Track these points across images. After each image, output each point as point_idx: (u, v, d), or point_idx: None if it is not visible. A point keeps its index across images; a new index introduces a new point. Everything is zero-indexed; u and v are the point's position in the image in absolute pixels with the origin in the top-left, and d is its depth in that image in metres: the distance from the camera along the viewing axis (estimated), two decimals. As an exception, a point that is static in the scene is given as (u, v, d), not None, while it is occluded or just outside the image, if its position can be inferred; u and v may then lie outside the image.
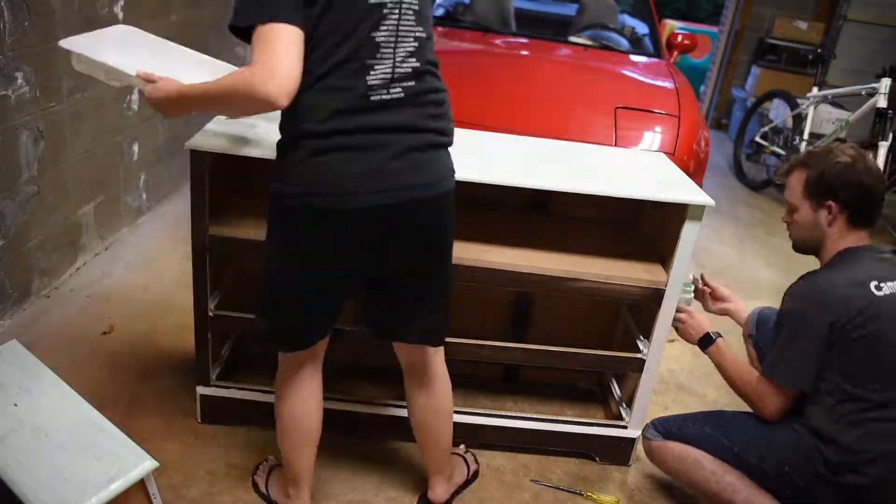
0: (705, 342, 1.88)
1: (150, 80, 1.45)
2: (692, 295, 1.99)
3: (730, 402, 2.53)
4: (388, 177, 1.35)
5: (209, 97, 1.38)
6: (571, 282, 1.88)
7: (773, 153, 4.98)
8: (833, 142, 4.57)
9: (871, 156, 3.86)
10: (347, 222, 1.37)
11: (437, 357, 1.70)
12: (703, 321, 1.92)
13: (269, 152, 1.72)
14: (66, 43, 1.62)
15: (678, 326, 1.95)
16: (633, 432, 2.06)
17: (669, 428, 1.85)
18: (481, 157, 1.97)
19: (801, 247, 1.83)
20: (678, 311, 1.92)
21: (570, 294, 1.90)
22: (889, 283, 1.62)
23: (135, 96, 3.02)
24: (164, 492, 1.66)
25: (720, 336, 1.88)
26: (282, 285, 1.50)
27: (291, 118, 1.34)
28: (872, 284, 1.61)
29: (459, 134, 2.19)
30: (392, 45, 1.34)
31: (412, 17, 1.36)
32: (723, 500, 1.73)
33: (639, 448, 2.12)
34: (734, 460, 1.73)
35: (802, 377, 1.65)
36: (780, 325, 1.73)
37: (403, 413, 2.02)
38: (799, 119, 4.78)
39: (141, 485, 1.38)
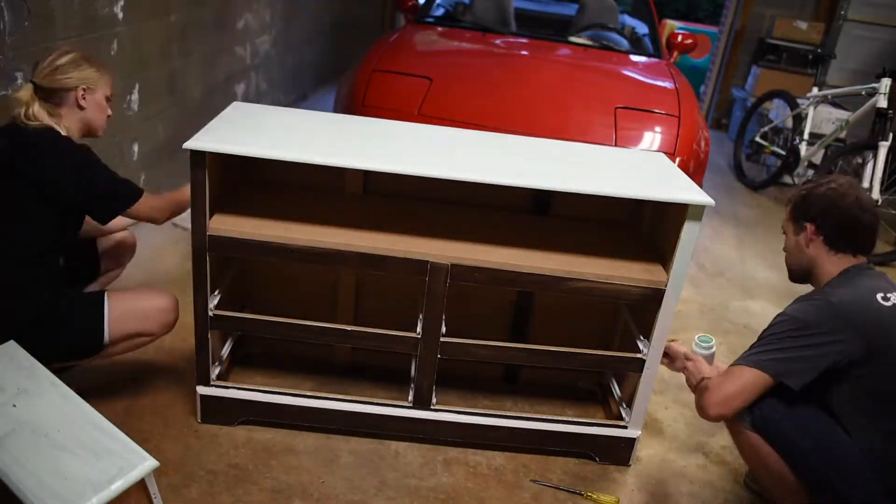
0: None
1: None
2: (712, 350, 1.89)
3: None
4: None
5: None
6: (571, 282, 1.88)
7: (773, 153, 4.98)
8: (833, 141, 4.57)
9: (865, 188, 3.91)
10: None
11: None
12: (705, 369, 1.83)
13: (269, 152, 1.73)
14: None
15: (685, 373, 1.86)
16: (633, 432, 2.06)
17: (767, 421, 1.68)
18: (481, 157, 1.97)
19: (793, 274, 1.85)
20: (687, 358, 1.86)
21: (570, 294, 1.90)
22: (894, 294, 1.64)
23: (135, 96, 3.02)
24: (164, 492, 1.66)
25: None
26: None
27: None
28: (879, 296, 1.62)
29: (460, 134, 2.20)
30: None
31: None
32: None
33: (639, 448, 2.12)
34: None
35: (797, 371, 1.60)
36: (771, 327, 1.69)
37: (403, 413, 2.02)
38: (799, 119, 4.78)
39: (141, 485, 1.39)
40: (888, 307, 1.60)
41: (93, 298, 1.88)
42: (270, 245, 1.83)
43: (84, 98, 1.83)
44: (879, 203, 3.95)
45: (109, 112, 1.94)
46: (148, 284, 2.29)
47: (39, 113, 1.78)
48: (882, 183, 3.96)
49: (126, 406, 2.06)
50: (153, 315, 1.91)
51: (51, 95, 1.80)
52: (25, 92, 1.80)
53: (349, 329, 1.97)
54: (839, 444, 1.61)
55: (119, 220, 2.05)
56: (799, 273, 1.81)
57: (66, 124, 1.82)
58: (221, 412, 2.02)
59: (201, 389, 1.99)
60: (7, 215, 1.77)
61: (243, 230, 1.84)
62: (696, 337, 1.90)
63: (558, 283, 1.87)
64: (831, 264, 1.71)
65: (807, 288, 1.81)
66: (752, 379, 1.63)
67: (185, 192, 1.90)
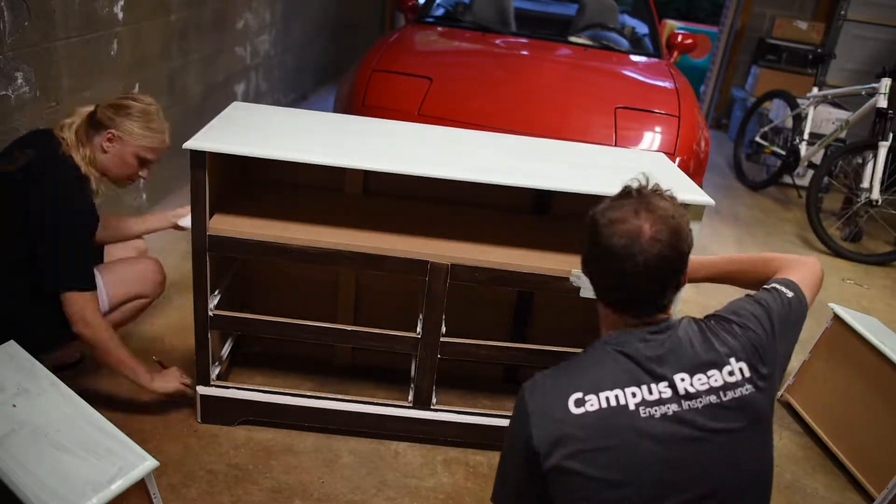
0: None
1: None
2: None
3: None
4: None
5: None
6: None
7: (773, 153, 4.98)
8: (833, 141, 4.57)
9: (865, 188, 3.84)
10: None
11: None
12: None
13: (269, 152, 1.73)
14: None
15: None
16: (633, 432, 2.06)
17: None
18: (481, 157, 1.97)
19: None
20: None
21: (571, 294, 1.90)
22: (598, 395, 1.15)
23: (135, 96, 3.02)
24: (164, 492, 1.66)
25: None
26: None
27: None
28: (573, 399, 1.15)
29: (460, 134, 2.20)
30: None
31: None
32: None
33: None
34: None
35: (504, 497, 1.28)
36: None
37: (403, 413, 2.02)
38: (799, 119, 4.78)
39: (141, 485, 1.38)
40: (575, 414, 1.14)
41: None
42: (270, 245, 1.83)
43: (110, 144, 1.82)
44: (879, 203, 3.95)
45: (143, 175, 1.91)
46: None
47: (78, 131, 1.81)
48: (882, 183, 3.95)
49: (126, 406, 2.06)
50: (144, 276, 2.00)
51: (95, 124, 1.82)
52: (86, 109, 1.85)
53: (349, 329, 1.97)
54: None
55: (132, 227, 2.09)
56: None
57: (89, 153, 1.82)
58: (221, 412, 2.02)
59: (201, 389, 1.99)
60: (7, 221, 1.77)
61: (243, 230, 1.84)
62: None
63: (558, 284, 1.87)
64: (609, 326, 1.26)
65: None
66: None
67: (124, 360, 1.82)
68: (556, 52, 3.70)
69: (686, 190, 1.87)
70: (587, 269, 1.24)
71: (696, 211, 1.79)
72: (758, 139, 5.15)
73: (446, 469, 2.00)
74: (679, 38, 4.06)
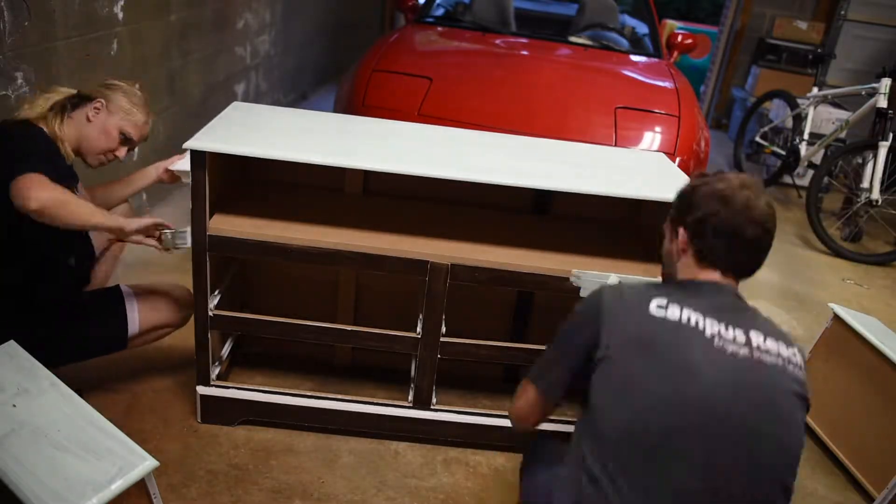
0: None
1: None
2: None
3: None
4: None
5: None
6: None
7: (773, 153, 4.98)
8: (833, 141, 4.57)
9: (865, 187, 3.87)
10: None
11: None
12: None
13: (269, 152, 1.73)
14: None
15: None
16: (633, 432, 2.06)
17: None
18: (481, 157, 1.97)
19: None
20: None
21: (571, 294, 1.90)
22: (681, 309, 1.25)
23: (135, 96, 3.02)
24: (164, 492, 1.66)
25: None
26: None
27: None
28: (654, 304, 1.25)
29: (460, 134, 2.20)
30: None
31: None
32: None
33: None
34: None
35: (543, 372, 1.42)
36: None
37: (403, 413, 2.02)
38: (799, 119, 4.78)
39: (141, 485, 1.38)
40: (657, 318, 1.24)
41: (113, 295, 1.92)
42: (270, 245, 1.83)
43: (96, 113, 1.82)
44: (879, 203, 3.95)
45: (120, 154, 1.89)
46: (159, 280, 2.26)
47: (55, 105, 1.79)
48: (882, 183, 3.95)
49: (126, 406, 2.06)
50: (175, 307, 1.99)
51: (79, 100, 1.82)
52: (66, 91, 1.84)
53: (349, 329, 1.97)
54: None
55: (117, 191, 2.05)
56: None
57: (65, 129, 1.80)
58: (221, 412, 2.02)
59: (201, 389, 1.99)
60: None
61: (243, 230, 1.84)
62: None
63: (558, 284, 1.87)
64: (691, 274, 1.33)
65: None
66: (529, 394, 1.43)
67: (93, 212, 1.67)
68: (556, 52, 3.70)
69: (686, 190, 1.86)
70: (694, 221, 1.31)
71: (696, 211, 1.79)
72: (758, 139, 5.15)
73: (446, 469, 2.00)
74: (679, 38, 4.06)
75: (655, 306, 1.24)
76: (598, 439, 1.24)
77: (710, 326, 1.22)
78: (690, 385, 1.18)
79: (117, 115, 1.85)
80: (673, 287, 1.32)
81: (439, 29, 3.86)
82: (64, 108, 1.82)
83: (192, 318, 1.91)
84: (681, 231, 1.33)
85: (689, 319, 1.23)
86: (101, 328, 1.89)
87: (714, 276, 1.30)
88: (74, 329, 1.84)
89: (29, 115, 1.78)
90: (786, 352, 1.24)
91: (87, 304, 1.90)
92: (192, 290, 1.94)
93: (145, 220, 1.78)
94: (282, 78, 5.21)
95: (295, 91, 5.59)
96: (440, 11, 4.29)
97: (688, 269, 1.33)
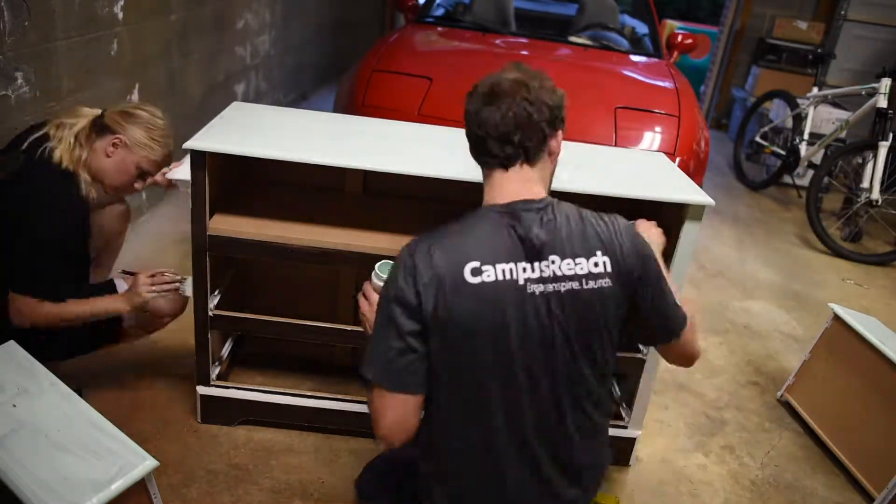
0: None
1: None
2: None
3: (728, 401, 2.54)
4: None
5: None
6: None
7: (773, 153, 4.98)
8: (833, 141, 4.57)
9: (865, 187, 3.88)
10: None
11: None
12: None
13: (269, 152, 1.73)
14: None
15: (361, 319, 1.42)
16: (634, 432, 2.06)
17: (362, 489, 1.51)
18: (481, 157, 1.96)
19: None
20: (365, 295, 1.42)
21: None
22: (494, 267, 1.17)
23: (135, 96, 3.02)
24: (164, 492, 1.66)
25: None
26: None
27: None
28: (469, 268, 1.17)
29: (460, 134, 2.20)
30: None
31: None
32: None
33: (639, 448, 2.12)
34: None
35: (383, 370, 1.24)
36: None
37: (403, 413, 2.02)
38: (799, 119, 4.78)
39: (141, 484, 1.38)
40: (474, 284, 1.16)
41: (107, 287, 1.91)
42: (270, 245, 1.83)
43: (115, 149, 1.80)
44: (879, 203, 3.96)
45: (138, 187, 1.90)
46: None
47: (79, 134, 1.77)
48: (882, 183, 3.96)
49: (126, 406, 2.06)
50: (167, 297, 1.96)
51: (99, 130, 1.80)
52: (90, 113, 1.81)
53: (349, 329, 1.97)
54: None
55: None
56: None
57: (85, 156, 1.78)
58: (221, 412, 2.02)
59: (201, 389, 1.99)
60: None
61: (243, 230, 1.83)
62: (377, 265, 1.43)
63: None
64: (487, 190, 1.28)
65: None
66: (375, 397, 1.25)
67: (89, 307, 1.77)
68: (556, 52, 3.70)
69: (686, 190, 1.87)
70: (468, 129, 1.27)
71: (696, 211, 1.79)
72: (758, 139, 5.15)
73: (446, 469, 2.00)
74: (679, 38, 4.06)
75: (470, 272, 1.17)
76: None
77: (521, 272, 1.18)
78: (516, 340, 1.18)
79: (136, 153, 1.82)
80: (481, 235, 1.21)
81: (439, 29, 3.86)
82: (89, 138, 1.79)
83: (193, 318, 1.90)
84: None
85: (503, 274, 1.17)
86: (95, 322, 1.87)
87: (499, 176, 1.25)
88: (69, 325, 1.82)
89: (56, 157, 1.74)
90: (586, 267, 1.20)
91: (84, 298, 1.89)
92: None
93: (142, 298, 1.81)
94: (282, 78, 5.21)
95: (295, 91, 5.60)
96: (440, 11, 4.29)
97: (484, 180, 1.29)
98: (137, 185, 1.90)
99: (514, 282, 1.17)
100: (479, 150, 1.27)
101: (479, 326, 1.16)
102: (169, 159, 1.90)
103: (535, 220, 1.21)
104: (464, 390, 1.22)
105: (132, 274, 1.89)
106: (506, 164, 1.25)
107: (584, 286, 1.20)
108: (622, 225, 1.27)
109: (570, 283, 1.19)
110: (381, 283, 1.35)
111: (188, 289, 1.87)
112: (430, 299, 1.16)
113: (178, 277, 1.87)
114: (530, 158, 1.25)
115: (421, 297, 1.16)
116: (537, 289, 1.18)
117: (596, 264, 1.21)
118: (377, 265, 1.43)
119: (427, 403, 1.24)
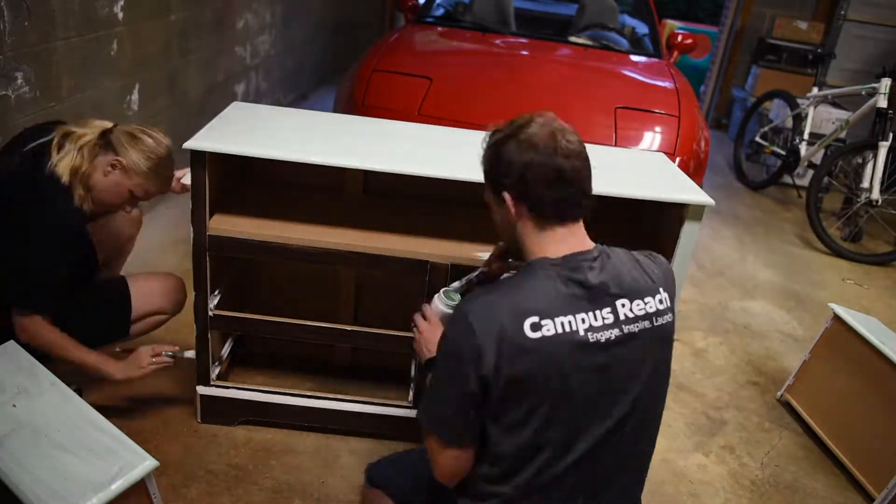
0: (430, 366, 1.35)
1: None
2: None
3: (728, 401, 2.53)
4: None
5: None
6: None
7: (773, 153, 4.98)
8: (833, 141, 4.57)
9: (865, 187, 3.90)
10: None
11: None
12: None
13: (269, 152, 1.73)
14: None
15: (415, 337, 1.44)
16: (633, 432, 2.06)
17: (371, 473, 1.53)
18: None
19: (518, 254, 1.33)
20: (424, 316, 1.43)
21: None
22: (553, 321, 1.15)
23: (135, 96, 3.02)
24: (164, 492, 1.66)
25: None
26: None
27: None
28: (528, 323, 1.14)
29: (460, 134, 2.20)
30: None
31: None
32: None
33: (639, 448, 2.12)
34: None
35: (444, 421, 1.22)
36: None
37: (403, 413, 2.02)
38: (799, 119, 4.78)
39: (141, 484, 1.38)
40: (534, 339, 1.13)
41: (118, 283, 1.96)
42: (270, 245, 1.83)
43: (112, 170, 1.76)
44: (879, 203, 3.95)
45: (127, 210, 1.87)
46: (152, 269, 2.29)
47: (84, 147, 1.74)
48: (882, 183, 3.96)
49: (126, 406, 2.06)
50: (168, 292, 2.01)
51: (105, 145, 1.76)
52: (99, 126, 1.78)
53: (349, 329, 1.97)
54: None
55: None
56: (518, 252, 1.32)
57: (85, 169, 1.74)
58: (221, 412, 2.02)
59: (201, 389, 1.99)
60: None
61: (243, 230, 1.84)
62: (442, 290, 1.43)
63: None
64: (535, 243, 1.25)
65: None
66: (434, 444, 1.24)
67: (83, 358, 1.77)
68: (556, 52, 3.70)
69: (686, 190, 1.87)
70: (515, 182, 1.23)
71: (696, 211, 1.79)
72: (758, 139, 5.15)
73: (446, 469, 2.00)
74: (679, 38, 4.05)
75: (529, 327, 1.14)
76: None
77: (580, 322, 1.17)
78: (578, 390, 1.17)
79: (132, 179, 1.77)
80: (536, 287, 1.19)
81: (439, 29, 3.86)
82: (92, 152, 1.76)
83: (192, 319, 1.90)
84: (506, 196, 1.24)
85: (563, 327, 1.16)
86: (106, 317, 1.92)
87: (559, 231, 1.23)
88: (81, 319, 1.84)
89: (57, 169, 1.71)
90: (654, 304, 1.22)
91: (93, 295, 1.92)
92: (184, 281, 1.97)
93: (138, 372, 1.82)
94: (282, 78, 5.21)
95: (295, 91, 5.60)
96: (440, 11, 4.29)
97: (530, 232, 1.24)
98: (127, 209, 1.87)
99: (575, 332, 1.16)
100: (556, 203, 1.22)
101: (540, 380, 1.15)
102: (163, 190, 1.86)
103: (594, 269, 1.21)
104: (522, 435, 1.20)
105: (129, 351, 1.89)
106: (566, 218, 1.24)
107: (655, 324, 1.22)
108: (664, 260, 1.32)
109: (643, 322, 1.21)
110: (443, 309, 1.39)
111: (190, 353, 1.93)
112: (490, 358, 1.14)
113: (177, 349, 1.89)
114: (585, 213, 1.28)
115: (482, 356, 1.14)
116: (602, 336, 1.17)
117: (661, 301, 1.24)
118: (442, 290, 1.45)
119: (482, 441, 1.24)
